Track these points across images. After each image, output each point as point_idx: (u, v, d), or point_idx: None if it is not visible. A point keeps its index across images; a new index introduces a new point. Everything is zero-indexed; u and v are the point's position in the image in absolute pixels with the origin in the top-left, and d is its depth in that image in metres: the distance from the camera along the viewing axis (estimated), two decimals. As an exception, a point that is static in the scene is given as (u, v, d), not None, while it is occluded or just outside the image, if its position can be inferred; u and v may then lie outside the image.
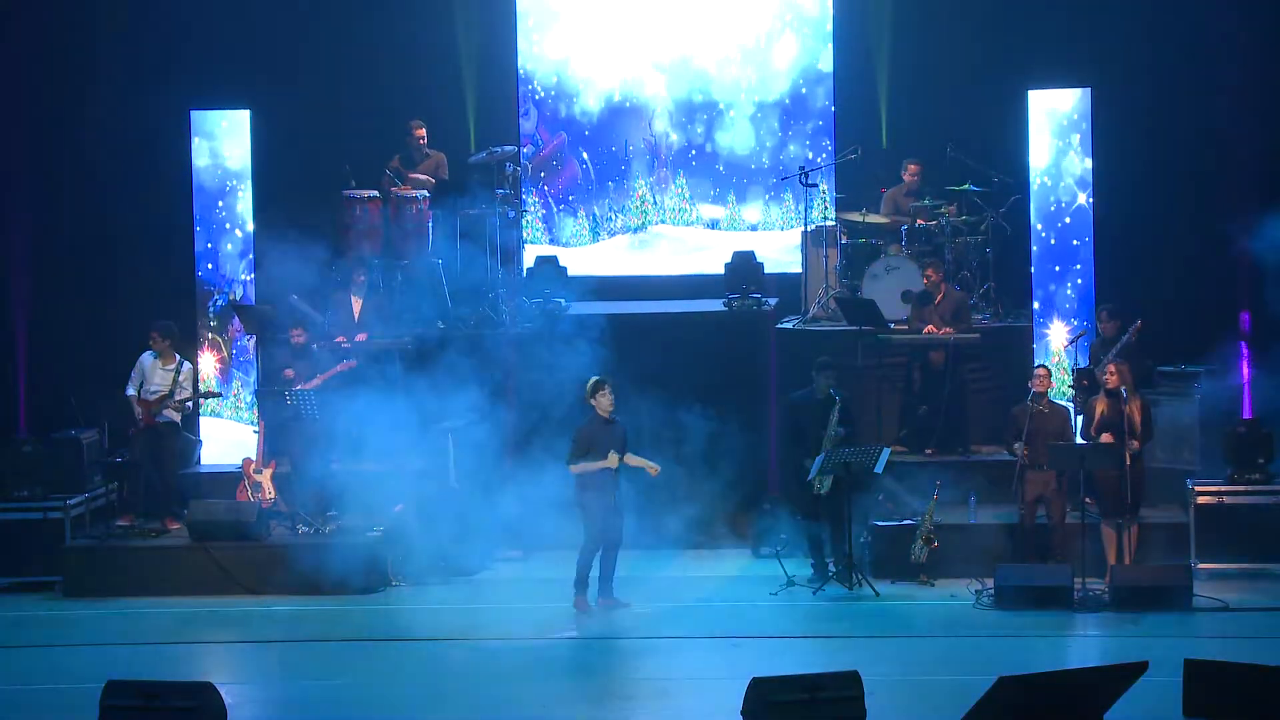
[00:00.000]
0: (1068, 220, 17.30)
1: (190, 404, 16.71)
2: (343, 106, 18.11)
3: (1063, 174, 17.31)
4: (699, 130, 19.08)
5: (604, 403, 14.57)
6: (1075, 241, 17.29)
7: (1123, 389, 14.88)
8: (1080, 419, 15.59)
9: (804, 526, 15.62)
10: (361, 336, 16.97)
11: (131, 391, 16.32)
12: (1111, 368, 15.00)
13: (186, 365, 16.56)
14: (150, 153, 17.73)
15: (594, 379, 14.67)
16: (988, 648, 13.45)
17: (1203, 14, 17.52)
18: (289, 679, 13.19)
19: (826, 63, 18.87)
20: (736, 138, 19.04)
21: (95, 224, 17.76)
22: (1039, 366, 15.55)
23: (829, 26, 18.83)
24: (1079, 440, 15.30)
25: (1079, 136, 17.25)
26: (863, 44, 18.64)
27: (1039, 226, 17.35)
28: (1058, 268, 17.34)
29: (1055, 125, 17.31)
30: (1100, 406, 14.98)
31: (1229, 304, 17.22)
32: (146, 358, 16.39)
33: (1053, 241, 17.35)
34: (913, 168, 17.77)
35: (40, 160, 17.96)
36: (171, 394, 16.28)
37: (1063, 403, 15.87)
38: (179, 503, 16.24)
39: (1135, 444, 14.78)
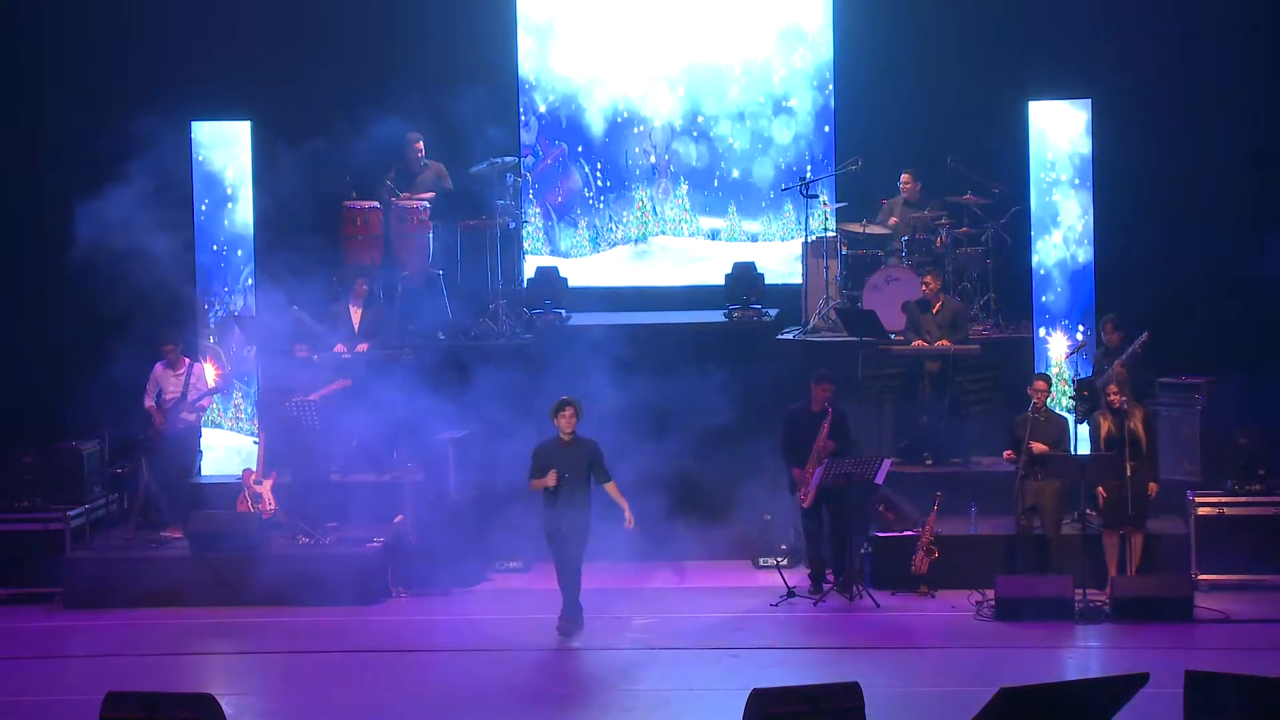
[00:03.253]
0: (1068, 225, 17.30)
1: (206, 398, 16.67)
2: (343, 117, 18.11)
3: (1063, 183, 17.31)
4: (699, 140, 19.08)
5: (562, 424, 14.29)
6: (1078, 255, 17.29)
7: (1124, 403, 14.90)
8: (1083, 429, 15.59)
9: (803, 537, 15.64)
10: (362, 347, 16.99)
11: (150, 402, 16.34)
12: (1113, 388, 14.99)
13: (196, 367, 16.58)
14: (151, 163, 17.72)
15: (560, 399, 14.44)
16: (988, 659, 13.43)
17: (1203, 25, 17.54)
18: (289, 690, 13.19)
19: (827, 72, 18.87)
20: (737, 148, 19.04)
21: (96, 234, 17.73)
22: (1038, 378, 15.54)
23: (829, 38, 18.83)
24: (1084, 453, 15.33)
25: (1079, 140, 17.26)
26: (863, 55, 18.65)
27: (1042, 231, 17.36)
28: (1049, 282, 17.35)
29: (1056, 135, 17.32)
30: (1106, 425, 14.96)
31: (1230, 315, 17.22)
32: (158, 367, 16.42)
33: (1056, 239, 17.36)
34: (905, 177, 17.79)
35: (41, 170, 17.96)
36: (183, 397, 16.29)
37: (1061, 413, 15.87)
38: (183, 511, 16.17)
39: (1150, 485, 14.85)
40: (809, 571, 15.45)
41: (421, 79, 18.28)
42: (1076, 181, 17.29)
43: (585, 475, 14.25)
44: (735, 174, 19.07)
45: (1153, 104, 17.58)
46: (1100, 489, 14.84)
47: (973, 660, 13.47)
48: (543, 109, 19.16)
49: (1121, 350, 15.78)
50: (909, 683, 12.77)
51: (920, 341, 16.51)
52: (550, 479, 14.14)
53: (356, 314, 17.19)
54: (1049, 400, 15.43)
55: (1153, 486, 14.98)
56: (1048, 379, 15.59)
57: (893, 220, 17.73)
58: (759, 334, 17.51)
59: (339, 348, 16.92)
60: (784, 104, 18.98)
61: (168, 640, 14.43)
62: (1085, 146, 17.27)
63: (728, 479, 16.60)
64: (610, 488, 14.33)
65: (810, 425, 15.30)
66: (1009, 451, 14.98)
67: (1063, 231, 17.33)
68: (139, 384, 16.42)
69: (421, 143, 18.02)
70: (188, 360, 16.53)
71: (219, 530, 15.70)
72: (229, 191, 17.83)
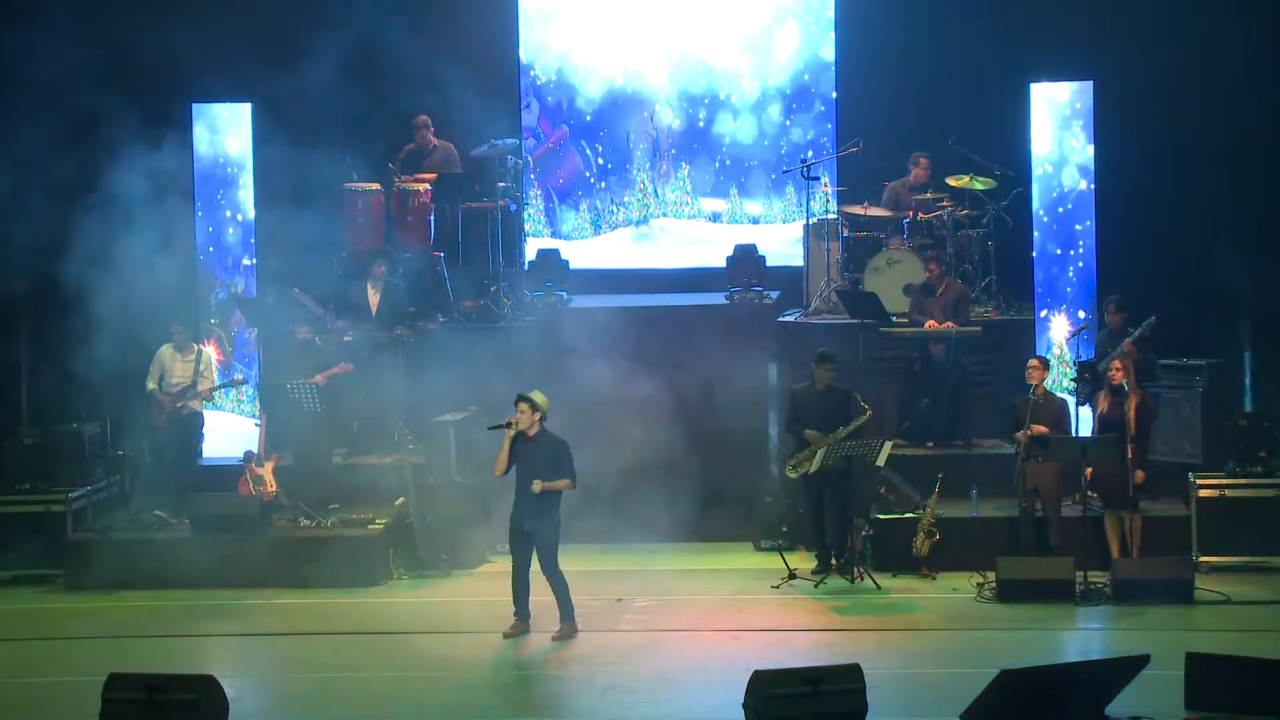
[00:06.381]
0: (1069, 206, 17.27)
1: (216, 392, 16.72)
2: (343, 99, 18.08)
3: (1065, 165, 17.28)
4: (701, 123, 19.07)
5: (517, 420, 13.69)
6: (1079, 238, 17.27)
7: (1124, 383, 14.90)
8: (1085, 410, 15.59)
9: (806, 519, 15.67)
10: (349, 338, 16.90)
11: (152, 386, 16.31)
12: (1117, 364, 14.99)
13: (205, 354, 16.56)
14: (153, 146, 17.71)
15: (517, 395, 13.83)
16: (989, 641, 13.45)
17: (1203, 4, 17.50)
18: (291, 672, 13.20)
19: (828, 54, 18.87)
20: (738, 130, 19.04)
21: (97, 217, 17.73)
22: (1032, 358, 15.56)
23: (831, 17, 18.82)
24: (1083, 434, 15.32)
25: (1080, 122, 17.21)
26: (865, 36, 18.64)
27: (1043, 214, 17.32)
28: (1060, 257, 17.32)
29: (1058, 117, 17.28)
30: (1103, 403, 14.97)
31: (1231, 297, 17.20)
32: (164, 350, 16.38)
33: (1055, 226, 17.32)
34: (924, 161, 17.74)
35: (42, 153, 17.93)
36: (193, 384, 16.28)
37: (1061, 394, 15.87)
38: (184, 494, 16.17)
39: (1138, 473, 14.87)
40: (817, 553, 15.45)
41: (423, 61, 18.23)
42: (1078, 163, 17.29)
43: (550, 476, 13.60)
44: (736, 156, 19.06)
45: (1154, 85, 17.54)
46: (1089, 469, 14.81)
47: (974, 642, 13.48)
48: (543, 90, 19.15)
49: (1124, 332, 15.77)
50: (910, 664, 12.78)
51: (933, 321, 16.48)
52: (499, 464, 13.71)
53: (375, 297, 17.17)
54: (1046, 381, 15.40)
55: (1140, 474, 14.95)
56: (1043, 360, 15.59)
57: (910, 214, 17.61)
58: (760, 316, 17.50)
59: (339, 324, 16.89)
60: (785, 86, 18.97)
61: (169, 622, 14.45)
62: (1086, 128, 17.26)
63: (729, 461, 16.62)
64: (560, 481, 13.63)
65: (815, 404, 15.32)
66: (1025, 431, 14.92)
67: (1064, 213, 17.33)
68: (141, 365, 16.40)
69: (430, 125, 18.04)
70: (197, 346, 16.50)
71: (220, 512, 15.70)
72: (230, 174, 17.81)
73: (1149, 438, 15.18)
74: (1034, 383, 15.16)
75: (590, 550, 15.81)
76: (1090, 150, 17.19)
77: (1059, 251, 17.23)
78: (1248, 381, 16.76)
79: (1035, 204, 17.32)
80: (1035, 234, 17.31)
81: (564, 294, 17.86)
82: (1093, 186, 17.20)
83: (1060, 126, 17.26)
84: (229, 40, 18.08)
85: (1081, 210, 17.22)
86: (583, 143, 19.20)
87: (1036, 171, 17.30)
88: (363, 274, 17.30)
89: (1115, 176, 17.42)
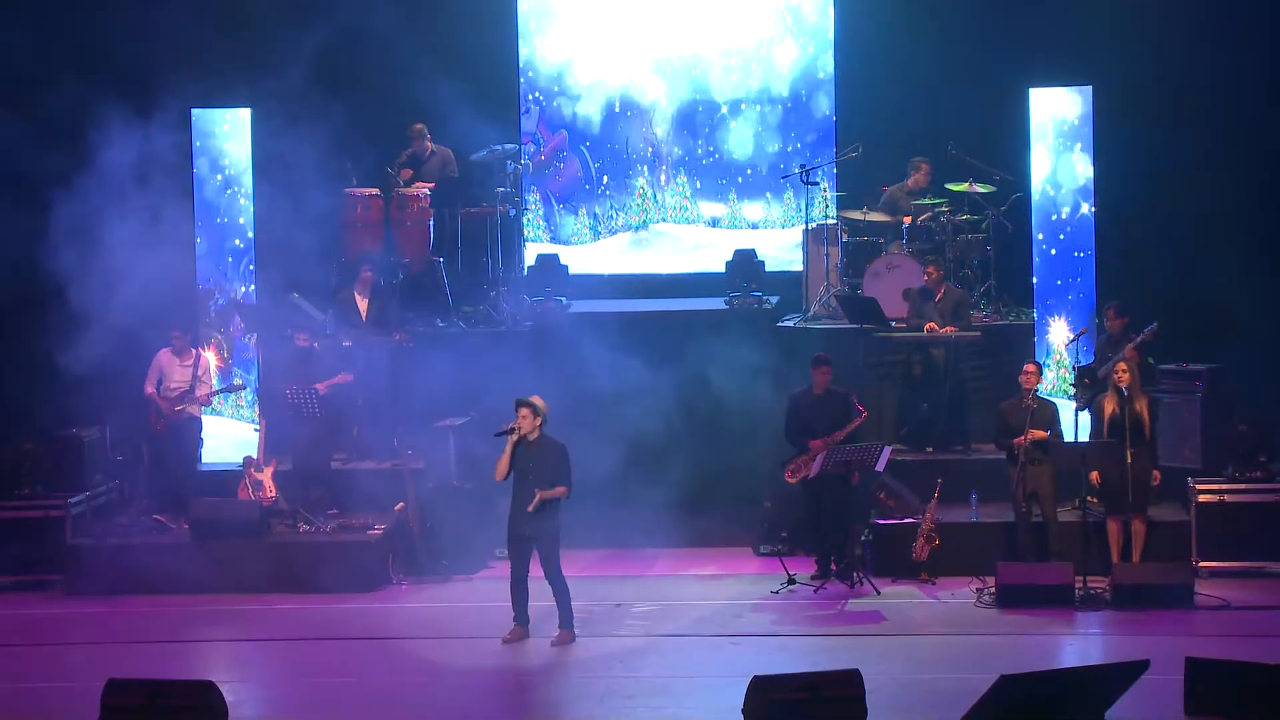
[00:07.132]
0: (1069, 223, 17.26)
1: (214, 397, 16.74)
2: (343, 104, 18.09)
3: (1065, 173, 17.28)
4: (700, 129, 19.08)
5: (520, 423, 13.66)
6: (1078, 253, 17.25)
7: (1130, 384, 14.88)
8: (1085, 416, 15.58)
9: (805, 523, 15.66)
10: (348, 343, 16.89)
11: (151, 389, 16.33)
12: (1122, 366, 14.96)
13: (204, 358, 16.58)
14: (152, 151, 17.71)
15: (516, 399, 13.76)
16: (989, 646, 13.44)
17: (1204, 11, 17.51)
18: (290, 677, 13.20)
19: (828, 61, 18.87)
20: (737, 136, 19.04)
21: (96, 221, 17.74)
22: (1028, 363, 15.55)
23: (830, 25, 18.83)
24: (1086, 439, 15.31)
25: (1080, 144, 17.22)
26: (864, 42, 18.64)
27: (1041, 238, 17.33)
28: (1059, 276, 17.31)
29: (1058, 128, 17.28)
30: (1110, 407, 14.93)
31: (1230, 302, 17.20)
32: (163, 355, 16.40)
33: (1053, 251, 17.31)
34: (925, 166, 17.72)
35: (42, 158, 17.93)
36: (192, 389, 16.29)
37: (1050, 399, 15.87)
38: (184, 498, 16.17)
39: (1154, 474, 14.92)
40: (816, 558, 15.45)
41: (422, 66, 18.24)
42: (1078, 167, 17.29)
43: (549, 480, 13.57)
44: (735, 161, 19.06)
45: (1154, 89, 17.54)
46: (1094, 474, 14.81)
47: (973, 647, 13.47)
48: (543, 96, 19.15)
49: (1123, 337, 15.77)
50: (909, 670, 12.77)
51: (933, 324, 16.48)
52: (500, 469, 13.69)
53: (363, 302, 17.20)
54: (1038, 386, 15.40)
55: (1156, 474, 14.99)
56: (1039, 366, 15.60)
57: (906, 220, 17.61)
58: (759, 321, 17.51)
59: (343, 340, 16.90)
60: (784, 91, 18.97)
61: (169, 627, 14.43)
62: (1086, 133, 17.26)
63: (729, 465, 16.62)
64: (558, 490, 13.58)
65: (813, 409, 15.32)
66: (1021, 438, 14.91)
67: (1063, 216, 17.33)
68: (139, 370, 16.41)
69: (427, 133, 18.04)
70: (195, 351, 16.52)
71: (220, 517, 15.70)
72: (230, 179, 17.81)
73: (1157, 439, 15.19)
74: (1029, 387, 15.16)
75: (589, 555, 15.81)
76: (1090, 170, 17.16)
77: (1060, 282, 17.22)
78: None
79: (1034, 229, 17.31)
80: (1036, 259, 17.30)
81: (563, 299, 17.86)
82: (1092, 192, 17.18)
83: (1059, 134, 17.24)
84: (229, 45, 18.09)
85: (1081, 228, 17.19)
86: (582, 148, 19.21)
87: (1035, 194, 17.28)
88: (351, 280, 17.31)
89: (1115, 183, 17.40)
